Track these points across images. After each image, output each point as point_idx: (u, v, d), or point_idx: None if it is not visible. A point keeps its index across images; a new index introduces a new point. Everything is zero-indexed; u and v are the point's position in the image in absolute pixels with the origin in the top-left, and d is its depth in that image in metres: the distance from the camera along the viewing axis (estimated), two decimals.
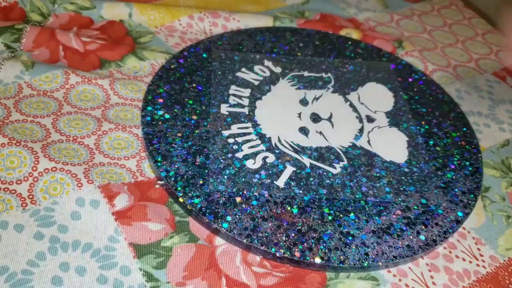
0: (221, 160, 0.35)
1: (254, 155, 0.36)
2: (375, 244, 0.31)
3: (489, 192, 0.38)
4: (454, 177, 0.37)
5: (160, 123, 0.36)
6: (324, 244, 0.31)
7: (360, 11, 0.56)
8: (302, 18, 0.52)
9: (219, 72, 0.42)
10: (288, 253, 0.30)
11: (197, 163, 0.34)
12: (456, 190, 0.36)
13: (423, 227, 0.33)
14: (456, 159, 0.38)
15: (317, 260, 0.30)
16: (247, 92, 0.41)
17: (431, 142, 0.39)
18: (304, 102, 0.41)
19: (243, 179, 0.34)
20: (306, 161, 0.36)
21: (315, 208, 0.33)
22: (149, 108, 0.37)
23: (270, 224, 0.31)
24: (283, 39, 0.47)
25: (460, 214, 0.34)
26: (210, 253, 0.31)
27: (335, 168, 0.36)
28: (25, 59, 0.41)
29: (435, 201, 0.35)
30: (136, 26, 0.47)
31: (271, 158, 0.36)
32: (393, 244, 0.32)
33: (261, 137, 0.37)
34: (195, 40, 0.47)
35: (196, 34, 0.48)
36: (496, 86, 0.49)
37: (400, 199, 0.34)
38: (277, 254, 0.30)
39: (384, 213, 0.33)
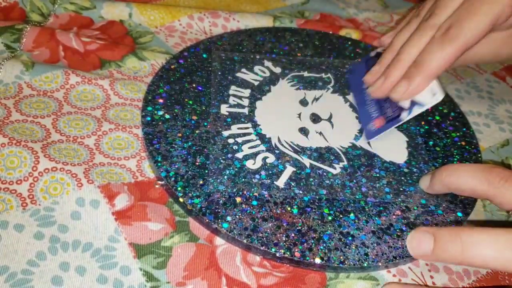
0: (221, 160, 0.35)
1: (254, 156, 0.36)
2: (375, 245, 0.31)
3: None
4: None
5: (160, 123, 0.37)
6: (324, 245, 0.31)
7: (359, 11, 0.56)
8: (302, 18, 0.52)
9: (219, 73, 0.42)
10: (288, 253, 0.30)
11: (197, 163, 0.34)
12: None
13: None
14: (456, 159, 0.38)
15: (317, 260, 0.30)
16: (247, 92, 0.41)
17: (430, 143, 0.40)
18: (304, 102, 0.41)
19: (243, 179, 0.34)
20: (306, 161, 0.36)
21: (315, 208, 0.33)
22: (149, 108, 0.38)
23: (270, 224, 0.31)
24: (283, 39, 0.47)
25: (459, 214, 0.34)
26: (211, 253, 0.31)
27: (335, 168, 0.36)
28: (25, 59, 0.41)
29: (435, 201, 0.35)
30: (136, 26, 0.47)
31: (271, 159, 0.36)
32: (393, 244, 0.32)
33: (261, 137, 0.37)
34: (195, 40, 0.47)
35: (196, 34, 0.48)
36: (496, 86, 0.49)
37: (399, 199, 0.34)
38: (277, 254, 0.30)
39: (384, 214, 0.33)
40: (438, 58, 0.35)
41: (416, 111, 0.36)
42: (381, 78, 0.38)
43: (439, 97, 0.35)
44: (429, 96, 0.35)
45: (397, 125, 0.36)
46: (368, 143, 0.38)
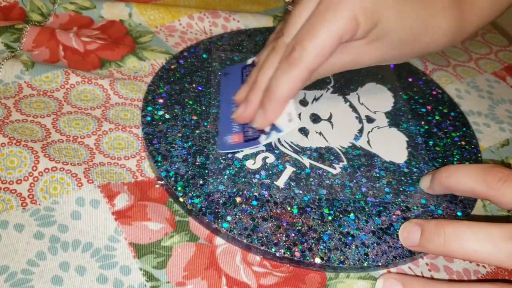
0: (221, 160, 0.35)
1: (254, 155, 0.36)
2: (375, 244, 0.31)
3: None
4: None
5: (160, 123, 0.37)
6: (324, 244, 0.31)
7: None
8: None
9: (219, 73, 0.42)
10: (288, 253, 0.30)
11: (197, 163, 0.34)
12: None
13: None
14: (456, 159, 0.38)
15: (317, 260, 0.30)
16: None
17: (430, 142, 0.40)
18: (303, 102, 0.41)
19: (243, 179, 0.34)
20: (306, 161, 0.36)
21: (315, 208, 0.33)
22: (149, 108, 0.38)
23: (270, 224, 0.31)
24: None
25: (459, 214, 0.34)
26: (211, 252, 0.31)
27: (334, 168, 0.36)
28: (25, 59, 0.41)
29: (435, 201, 0.35)
30: (136, 26, 0.47)
31: (271, 159, 0.36)
32: (393, 244, 0.32)
33: None
34: (195, 40, 0.47)
35: (196, 34, 0.48)
36: (496, 86, 0.49)
37: (399, 199, 0.34)
38: (277, 254, 0.30)
39: (384, 214, 0.33)
40: (285, 83, 0.33)
41: (275, 135, 0.35)
42: (243, 104, 0.36)
43: (294, 123, 0.34)
44: (286, 121, 0.35)
45: (253, 147, 0.36)
46: (368, 142, 0.38)
